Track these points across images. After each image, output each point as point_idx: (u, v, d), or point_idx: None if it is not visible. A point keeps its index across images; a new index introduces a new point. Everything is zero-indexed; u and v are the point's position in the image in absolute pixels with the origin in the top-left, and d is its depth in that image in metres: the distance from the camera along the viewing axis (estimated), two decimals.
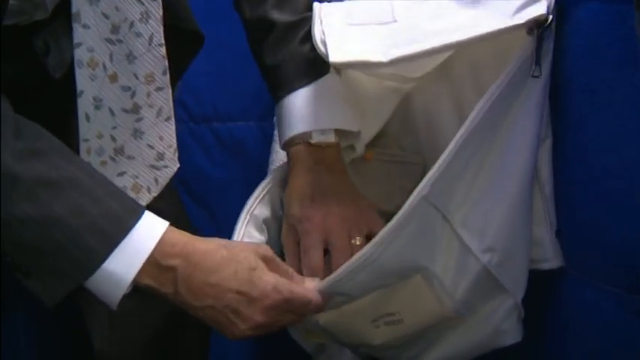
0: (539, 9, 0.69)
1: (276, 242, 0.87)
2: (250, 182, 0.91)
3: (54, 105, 0.83)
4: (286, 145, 0.88)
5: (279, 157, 1.15)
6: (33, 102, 0.77)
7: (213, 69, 1.29)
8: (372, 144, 0.95)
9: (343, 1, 0.92)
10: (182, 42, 0.93)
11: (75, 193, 0.65)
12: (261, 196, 0.88)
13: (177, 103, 1.26)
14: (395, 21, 0.80)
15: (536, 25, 0.70)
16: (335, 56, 0.77)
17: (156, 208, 0.73)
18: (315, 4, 0.87)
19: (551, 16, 0.69)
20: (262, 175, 1.06)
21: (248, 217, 0.86)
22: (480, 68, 0.83)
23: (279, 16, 0.90)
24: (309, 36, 0.85)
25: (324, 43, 0.78)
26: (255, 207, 0.87)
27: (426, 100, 0.93)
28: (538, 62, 0.71)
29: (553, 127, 0.79)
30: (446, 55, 0.86)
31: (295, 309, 0.72)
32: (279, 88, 0.89)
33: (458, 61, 0.86)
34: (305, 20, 0.88)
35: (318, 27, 0.81)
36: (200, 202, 1.34)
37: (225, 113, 1.32)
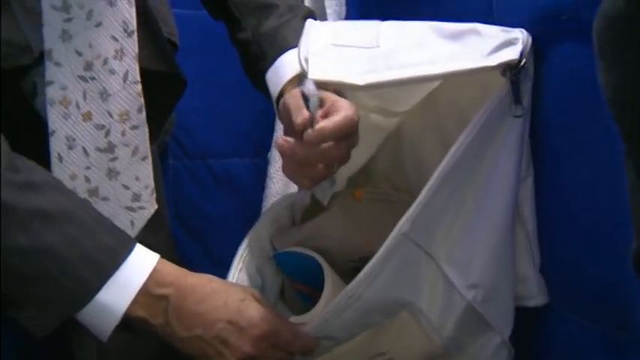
0: (512, 53, 0.71)
1: (271, 286, 0.88)
2: (245, 217, 0.93)
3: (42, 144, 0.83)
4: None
5: (272, 192, 1.17)
6: (23, 142, 0.74)
7: (207, 107, 1.31)
8: (362, 183, 0.96)
9: (335, 21, 0.95)
10: (164, 84, 0.93)
11: (68, 225, 0.65)
12: (252, 241, 0.88)
13: (173, 140, 1.29)
14: (378, 46, 0.81)
15: (509, 68, 0.71)
16: (314, 73, 0.78)
17: (146, 243, 0.74)
18: (308, 21, 0.89)
19: (524, 60, 0.71)
20: (256, 210, 1.08)
21: (241, 264, 0.86)
22: (463, 104, 0.85)
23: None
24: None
25: (307, 60, 0.80)
26: (247, 253, 0.87)
27: (413, 137, 0.95)
28: (518, 102, 0.73)
29: (534, 165, 0.80)
30: (428, 89, 0.89)
31: (284, 344, 0.72)
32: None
33: (441, 96, 0.88)
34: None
35: (305, 44, 0.83)
36: (195, 236, 1.36)
37: (219, 150, 1.34)
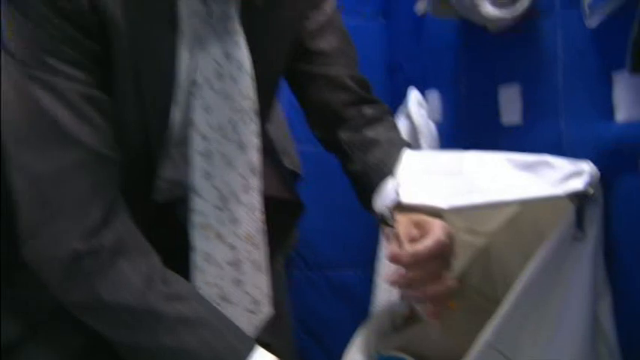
0: (578, 183, 0.76)
1: None
2: (358, 321, 1.02)
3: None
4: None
5: (378, 299, 1.24)
6: (175, 261, 0.87)
7: (326, 225, 1.43)
8: (457, 294, 1.01)
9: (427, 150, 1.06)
10: (285, 208, 1.04)
11: (204, 330, 0.75)
12: (358, 344, 0.94)
13: (296, 254, 1.44)
14: (461, 172, 0.88)
15: (576, 196, 0.76)
16: (405, 197, 0.87)
17: (268, 345, 0.81)
18: (405, 153, 0.97)
19: (590, 189, 0.75)
20: (368, 315, 1.17)
21: None
22: (542, 225, 0.87)
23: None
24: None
25: (399, 186, 0.89)
26: (354, 355, 0.92)
27: (501, 254, 0.99)
28: (580, 227, 0.76)
29: (611, 282, 0.81)
30: (511, 211, 0.93)
31: None
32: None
33: (524, 217, 0.93)
34: None
35: (399, 172, 0.92)
36: (316, 339, 1.46)
37: (335, 262, 1.45)
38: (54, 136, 0.76)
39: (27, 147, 0.77)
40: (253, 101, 0.89)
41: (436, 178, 0.89)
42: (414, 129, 1.25)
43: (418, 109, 1.27)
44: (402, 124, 1.28)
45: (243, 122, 0.88)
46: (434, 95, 1.28)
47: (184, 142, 0.87)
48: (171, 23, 0.80)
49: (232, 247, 0.89)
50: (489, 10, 0.96)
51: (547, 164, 0.81)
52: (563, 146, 0.88)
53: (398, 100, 1.36)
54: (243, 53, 0.87)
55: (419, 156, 0.98)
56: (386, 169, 0.95)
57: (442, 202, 0.84)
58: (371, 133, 1.01)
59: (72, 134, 0.76)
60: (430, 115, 1.28)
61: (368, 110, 1.03)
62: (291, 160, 1.20)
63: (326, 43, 1.01)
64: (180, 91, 0.85)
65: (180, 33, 0.82)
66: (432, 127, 1.26)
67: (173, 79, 0.83)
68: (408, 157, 0.96)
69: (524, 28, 0.96)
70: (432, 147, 1.23)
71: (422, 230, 0.83)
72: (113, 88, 0.80)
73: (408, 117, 1.27)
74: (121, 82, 0.80)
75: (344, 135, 1.03)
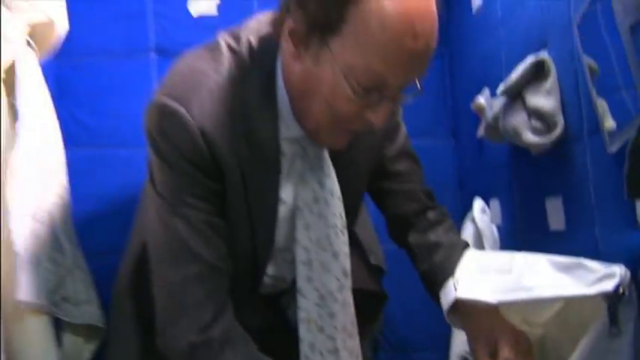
0: (608, 285, 0.81)
1: None
2: None
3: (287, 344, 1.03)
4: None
5: None
6: (275, 348, 0.98)
7: (408, 313, 1.52)
8: None
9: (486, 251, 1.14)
10: (370, 299, 1.12)
11: None
12: None
13: (383, 338, 1.53)
14: (510, 271, 0.95)
15: (608, 296, 0.81)
16: (461, 293, 0.97)
17: None
18: (465, 254, 1.06)
19: (621, 290, 0.80)
20: None
21: None
22: (587, 319, 0.91)
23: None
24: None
25: (457, 283, 0.99)
26: None
27: (554, 343, 1.03)
28: (614, 323, 0.81)
29: None
30: (559, 305, 0.99)
31: None
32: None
33: (571, 311, 0.98)
34: None
35: (459, 270, 1.02)
36: None
37: (418, 345, 1.53)
38: (182, 253, 0.92)
39: (163, 262, 0.94)
40: (343, 218, 1.01)
41: (489, 277, 0.99)
42: (478, 232, 1.34)
43: (481, 215, 1.36)
44: (468, 228, 1.37)
45: (336, 235, 1.00)
46: (495, 204, 1.37)
47: (287, 249, 1.01)
48: (276, 164, 0.95)
49: (331, 338, 0.99)
50: (530, 137, 1.08)
51: (583, 267, 0.88)
52: (600, 250, 0.95)
53: (466, 207, 1.46)
54: (333, 182, 1.00)
55: (475, 256, 1.07)
56: (447, 270, 1.05)
57: (491, 298, 0.94)
58: (433, 236, 1.11)
59: (195, 252, 0.91)
60: (493, 220, 1.37)
61: (431, 214, 1.14)
62: (377, 257, 1.27)
63: (401, 165, 1.15)
64: (283, 214, 0.98)
65: (284, 170, 0.96)
66: (494, 230, 1.34)
67: (276, 206, 0.97)
68: (466, 257, 1.06)
69: (560, 150, 1.06)
70: (494, 248, 1.30)
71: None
72: (228, 213, 0.95)
73: (473, 222, 1.36)
74: (234, 209, 0.95)
75: (412, 238, 1.13)
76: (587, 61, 0.95)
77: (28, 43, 1.10)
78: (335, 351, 0.99)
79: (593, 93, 0.94)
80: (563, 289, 0.88)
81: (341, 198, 1.01)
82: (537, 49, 1.11)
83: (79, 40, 1.52)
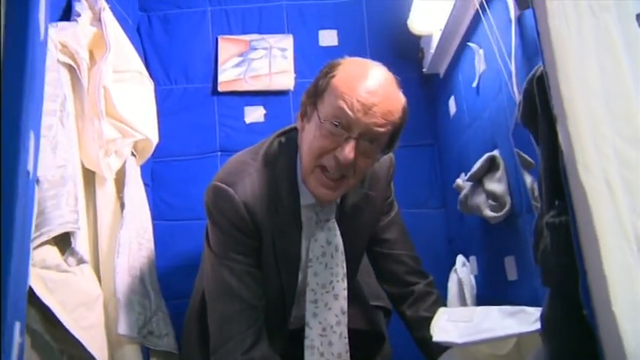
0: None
1: None
2: None
3: None
4: None
5: None
6: None
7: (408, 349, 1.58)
8: None
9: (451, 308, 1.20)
10: (369, 338, 1.18)
11: None
12: None
13: None
14: (471, 321, 1.03)
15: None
16: (436, 337, 1.04)
17: None
18: (439, 310, 1.12)
19: None
20: None
21: None
22: (532, 348, 0.96)
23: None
24: None
25: (433, 330, 1.06)
26: None
27: None
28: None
29: None
30: (513, 341, 1.02)
31: None
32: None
33: (524, 344, 1.01)
34: None
35: (434, 321, 1.09)
36: None
37: None
38: (228, 294, 1.02)
39: (214, 299, 1.04)
40: (344, 268, 1.09)
41: (456, 325, 1.07)
42: (460, 281, 1.41)
43: (462, 268, 1.42)
44: (453, 278, 1.45)
45: (337, 281, 1.08)
46: (473, 259, 1.45)
47: (303, 293, 1.09)
48: (298, 226, 1.06)
49: None
50: (488, 212, 1.18)
51: (524, 312, 0.96)
52: (539, 295, 1.01)
53: (453, 261, 1.52)
54: (338, 240, 1.08)
55: (446, 310, 1.16)
56: (425, 324, 1.11)
57: (459, 340, 1.02)
58: (423, 312, 1.16)
59: (238, 294, 1.01)
60: (472, 272, 1.44)
61: (419, 287, 1.19)
62: (380, 299, 1.31)
63: (391, 234, 1.22)
64: (302, 265, 1.08)
65: (302, 231, 1.06)
66: (472, 279, 1.40)
67: (299, 258, 1.07)
68: (439, 312, 1.14)
69: (511, 222, 1.15)
70: (472, 293, 1.36)
71: None
72: (262, 264, 1.05)
73: (456, 272, 1.45)
74: (266, 261, 1.05)
75: (407, 311, 1.20)
76: (524, 157, 1.06)
77: (132, 154, 1.29)
78: None
79: (527, 181, 1.04)
80: (510, 329, 0.96)
81: (343, 252, 1.08)
82: (492, 148, 1.22)
83: (167, 145, 1.66)
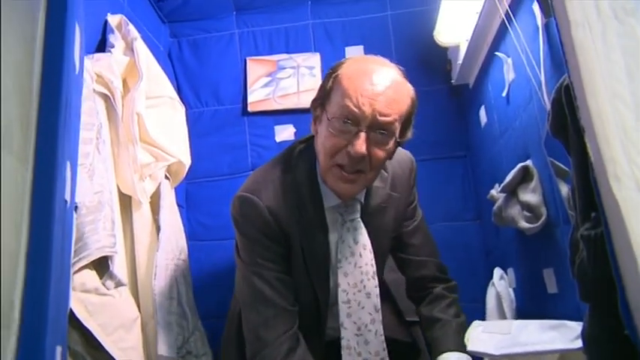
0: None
1: None
2: None
3: None
4: None
5: None
6: None
7: None
8: None
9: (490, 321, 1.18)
10: (402, 347, 1.16)
11: None
12: None
13: None
14: (509, 333, 1.00)
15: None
16: (471, 346, 1.01)
17: None
18: (475, 322, 1.10)
19: None
20: None
21: None
22: None
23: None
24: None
25: (468, 340, 1.04)
26: None
27: None
28: None
29: None
30: (553, 357, 0.98)
31: None
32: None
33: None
34: None
35: (469, 331, 1.06)
36: None
37: None
38: (261, 301, 1.03)
39: (248, 308, 1.05)
40: (374, 267, 1.09)
41: (493, 336, 1.04)
42: (498, 295, 1.38)
43: (500, 281, 1.39)
44: (491, 291, 1.42)
45: (368, 280, 1.08)
46: (511, 271, 1.41)
47: (336, 301, 1.08)
48: (323, 228, 1.07)
49: None
50: (523, 224, 1.16)
51: (566, 326, 0.93)
52: (581, 310, 0.94)
53: (490, 274, 1.48)
54: (365, 239, 1.09)
55: (481, 323, 1.14)
56: (443, 345, 1.09)
57: (495, 351, 0.99)
58: (436, 311, 1.14)
59: (271, 299, 1.02)
60: (510, 285, 1.40)
61: (438, 290, 1.17)
62: (407, 308, 1.28)
63: (416, 239, 1.21)
64: (332, 267, 1.08)
65: (329, 233, 1.08)
66: (511, 293, 1.36)
67: (328, 261, 1.08)
68: (473, 324, 1.11)
69: (547, 233, 1.12)
70: (511, 307, 1.32)
71: None
72: (293, 271, 1.06)
73: (493, 285, 1.42)
74: (296, 268, 1.06)
75: (422, 310, 1.18)
76: (558, 166, 1.03)
77: (166, 177, 1.33)
78: None
79: (563, 190, 1.02)
80: (551, 344, 0.93)
81: (372, 251, 1.09)
82: (524, 158, 1.20)
83: (200, 166, 1.70)
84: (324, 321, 1.11)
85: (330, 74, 1.02)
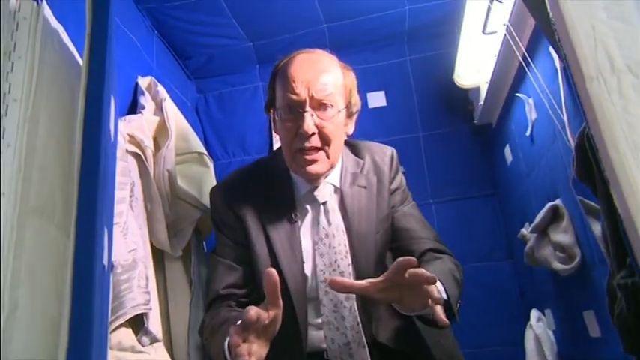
0: None
1: None
2: None
3: None
4: None
5: None
6: None
7: None
8: None
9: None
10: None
11: None
12: None
13: None
14: None
15: None
16: None
17: None
18: None
19: None
20: None
21: None
22: None
23: None
24: None
25: None
26: None
27: None
28: None
29: None
30: None
31: None
32: None
33: None
34: None
35: None
36: None
37: None
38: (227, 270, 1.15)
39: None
40: (347, 247, 1.12)
41: None
42: (537, 337, 1.34)
43: (537, 323, 1.37)
44: (529, 334, 1.38)
45: (341, 259, 1.11)
46: (548, 312, 1.38)
47: (315, 297, 1.10)
48: (293, 216, 1.13)
49: (343, 334, 1.09)
50: (557, 265, 1.14)
51: None
52: (629, 358, 0.91)
53: (527, 315, 1.45)
54: (339, 220, 1.14)
55: None
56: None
57: None
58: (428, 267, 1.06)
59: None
60: (549, 327, 1.37)
61: (432, 253, 1.15)
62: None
63: (409, 223, 1.20)
64: (309, 253, 1.12)
65: (299, 218, 1.14)
66: (550, 335, 1.33)
67: (300, 247, 1.12)
68: None
69: (584, 273, 1.10)
70: (552, 351, 1.29)
71: None
72: (257, 260, 1.12)
73: (531, 328, 1.38)
74: (261, 255, 1.12)
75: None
76: (588, 205, 1.02)
77: (197, 230, 1.36)
78: (347, 343, 1.09)
79: (596, 230, 1.00)
80: None
81: (345, 232, 1.13)
82: (553, 197, 1.19)
83: None
84: (304, 318, 1.11)
85: (270, 78, 1.16)
